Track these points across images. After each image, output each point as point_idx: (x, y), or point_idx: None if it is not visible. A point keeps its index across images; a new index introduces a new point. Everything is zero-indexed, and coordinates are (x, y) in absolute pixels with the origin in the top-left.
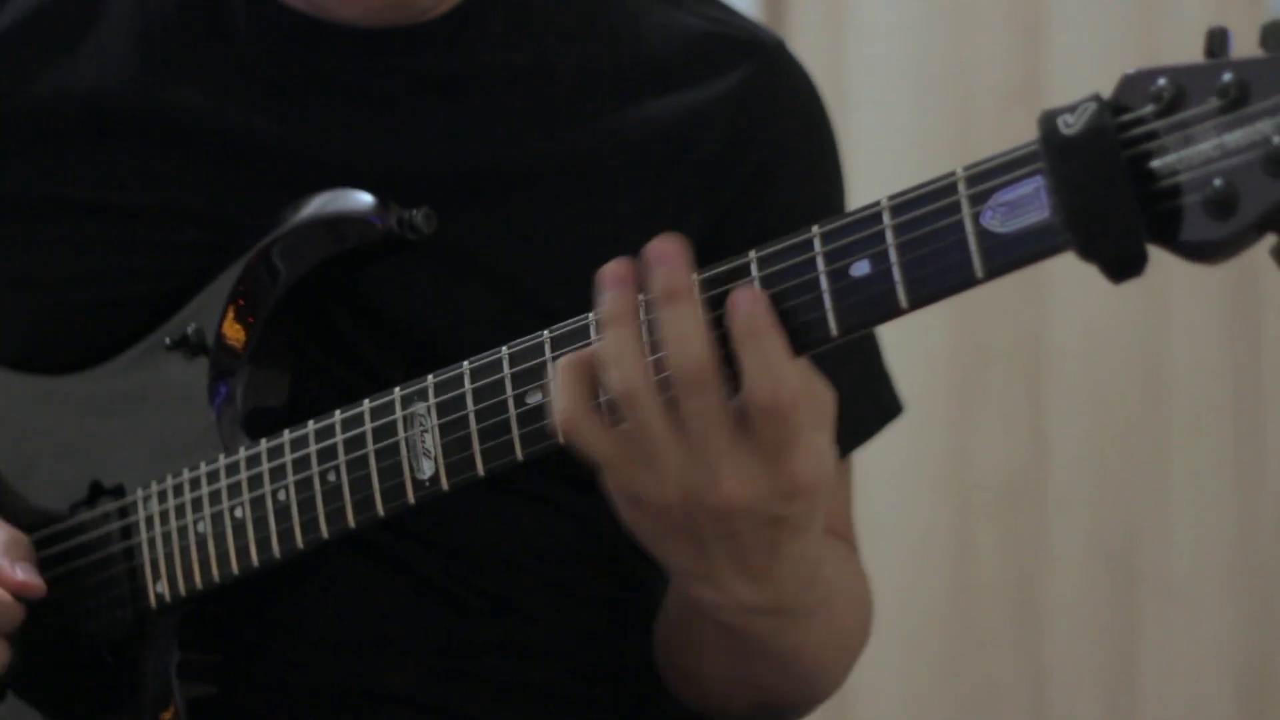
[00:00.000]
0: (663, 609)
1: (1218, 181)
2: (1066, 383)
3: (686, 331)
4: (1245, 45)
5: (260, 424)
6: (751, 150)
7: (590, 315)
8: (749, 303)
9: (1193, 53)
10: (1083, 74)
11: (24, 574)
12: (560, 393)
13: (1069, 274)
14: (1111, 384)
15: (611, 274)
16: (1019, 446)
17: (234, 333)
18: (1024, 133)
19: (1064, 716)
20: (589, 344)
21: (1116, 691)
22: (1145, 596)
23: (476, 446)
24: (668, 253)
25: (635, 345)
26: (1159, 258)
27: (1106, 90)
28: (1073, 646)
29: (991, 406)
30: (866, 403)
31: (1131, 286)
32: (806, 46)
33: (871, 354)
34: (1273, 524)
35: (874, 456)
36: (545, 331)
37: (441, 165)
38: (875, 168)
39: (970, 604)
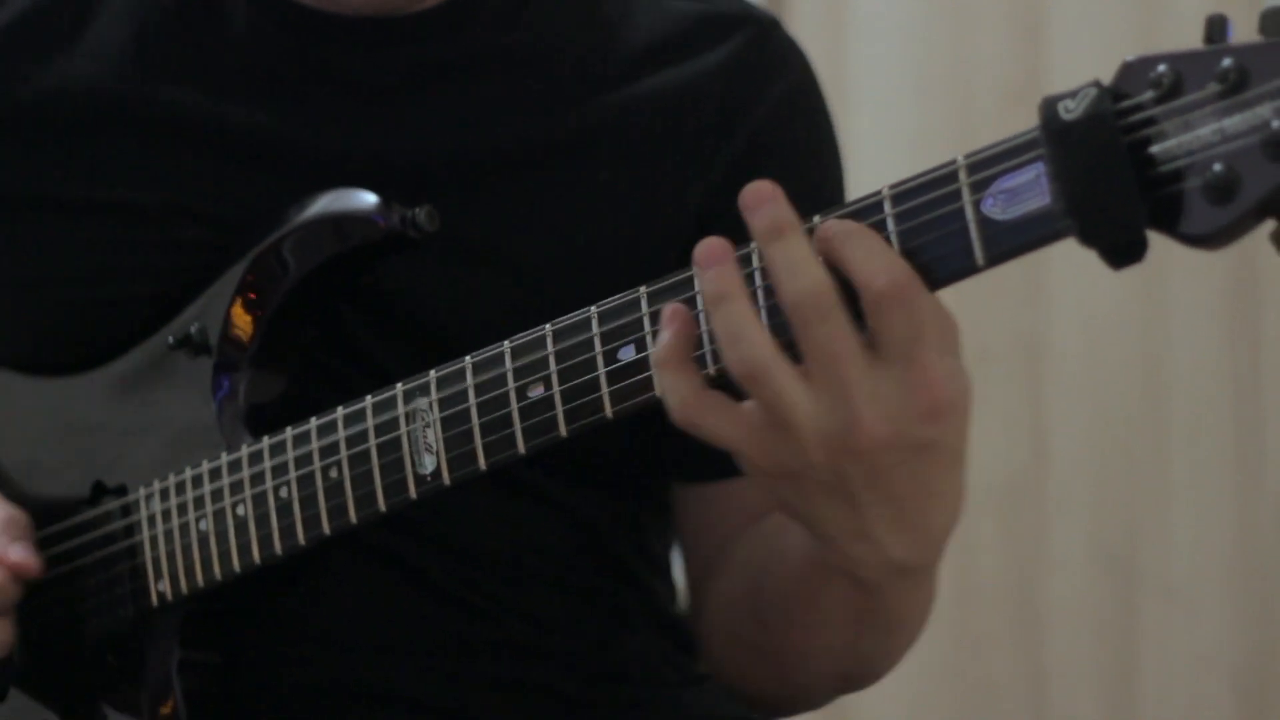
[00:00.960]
0: (750, 591)
1: (1218, 166)
2: (1066, 383)
3: (796, 260)
4: (1245, 39)
5: (263, 422)
6: (745, 120)
7: (592, 308)
8: (835, 222)
9: None
10: (1083, 74)
11: (18, 554)
12: (671, 391)
13: (1069, 273)
14: (1111, 384)
15: (708, 252)
16: (1019, 446)
17: (237, 332)
18: None
19: (1064, 716)
20: (664, 332)
21: (1116, 691)
22: (1145, 596)
23: (478, 440)
24: (766, 192)
25: (750, 317)
26: (1160, 258)
27: (1107, 82)
28: (1073, 646)
29: (991, 406)
30: None
31: (1131, 286)
32: (806, 46)
33: None
34: (1273, 524)
35: None
36: (547, 325)
37: (440, 153)
38: (875, 168)
39: (970, 604)
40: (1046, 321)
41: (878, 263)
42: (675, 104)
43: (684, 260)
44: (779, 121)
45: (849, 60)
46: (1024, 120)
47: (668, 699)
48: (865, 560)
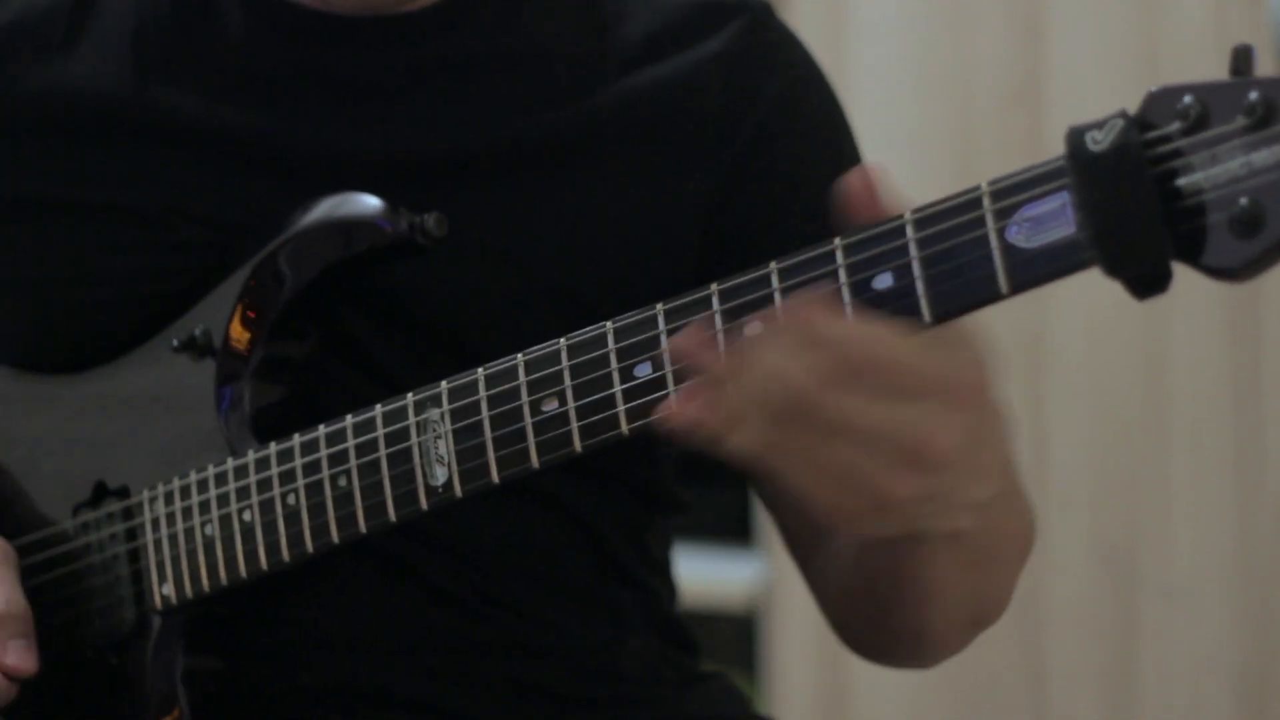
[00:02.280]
0: (859, 580)
1: (1244, 200)
2: (1066, 383)
3: (774, 367)
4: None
5: (268, 427)
6: (749, 110)
7: (608, 324)
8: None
9: (1193, 53)
10: (1083, 75)
11: (15, 656)
12: (747, 444)
13: None
14: (1111, 384)
15: (681, 348)
16: (1019, 446)
17: (242, 335)
18: (1024, 134)
19: (1064, 716)
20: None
21: (1116, 691)
22: (1145, 596)
23: (491, 454)
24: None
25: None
26: None
27: (1110, 94)
28: (1073, 646)
29: None
30: None
31: None
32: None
33: None
34: (1273, 524)
35: None
36: (561, 339)
37: (441, 150)
38: None
39: None
40: (1046, 321)
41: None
42: (675, 95)
43: (687, 252)
44: (786, 109)
45: (849, 60)
46: (1024, 121)
47: (668, 699)
48: (965, 521)
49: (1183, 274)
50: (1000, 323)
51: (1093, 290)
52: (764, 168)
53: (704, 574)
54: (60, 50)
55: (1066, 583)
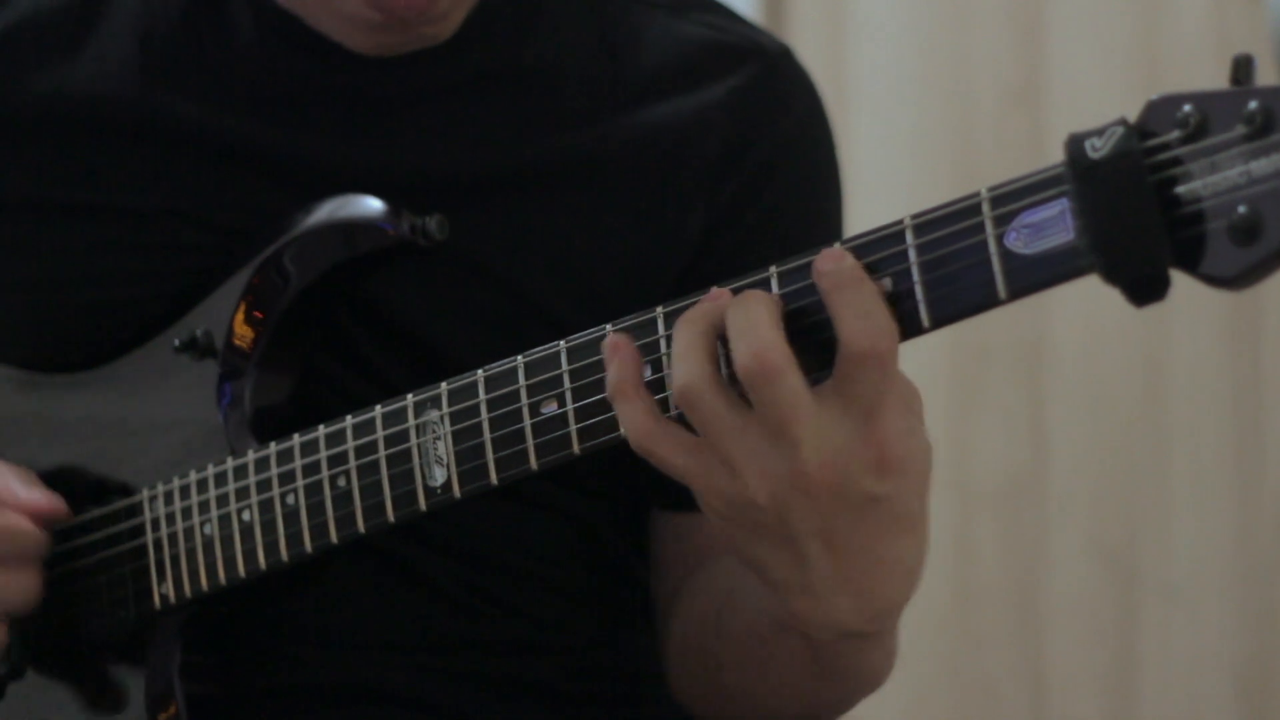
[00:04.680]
0: (709, 627)
1: (1243, 208)
2: (1066, 383)
3: (753, 320)
4: (1248, 48)
5: (268, 428)
6: (750, 153)
7: (608, 326)
8: (835, 257)
9: (1193, 54)
10: (1083, 75)
11: (42, 497)
12: (628, 418)
13: None
14: (1111, 384)
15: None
16: (1019, 446)
17: (243, 336)
18: (1024, 135)
19: (1064, 716)
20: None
21: (1116, 691)
22: (1145, 596)
23: (490, 455)
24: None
25: (695, 341)
26: None
27: (1109, 94)
28: (1073, 646)
29: (991, 406)
30: None
31: None
32: (806, 47)
33: None
34: (1273, 524)
35: None
36: (561, 342)
37: (442, 168)
38: (875, 168)
39: (970, 604)
40: (1046, 321)
41: (865, 324)
42: (681, 134)
43: (680, 285)
44: (783, 157)
45: (849, 61)
46: (1024, 122)
47: (668, 697)
48: (811, 619)
49: (1182, 276)
50: (1000, 324)
51: (1093, 292)
52: (750, 208)
53: None
54: (67, 51)
55: (1066, 583)
